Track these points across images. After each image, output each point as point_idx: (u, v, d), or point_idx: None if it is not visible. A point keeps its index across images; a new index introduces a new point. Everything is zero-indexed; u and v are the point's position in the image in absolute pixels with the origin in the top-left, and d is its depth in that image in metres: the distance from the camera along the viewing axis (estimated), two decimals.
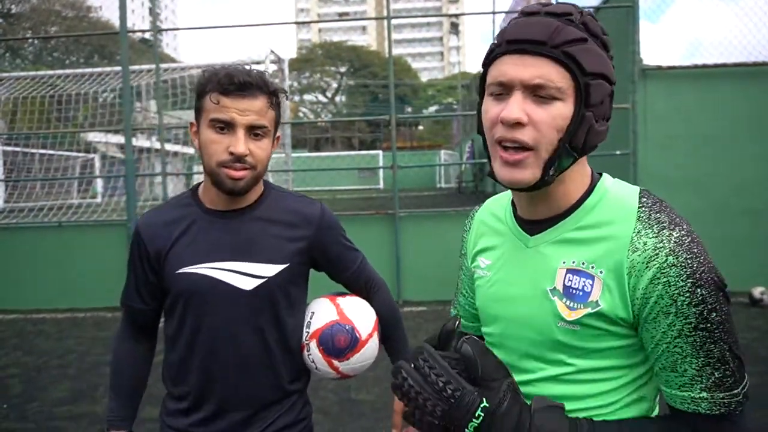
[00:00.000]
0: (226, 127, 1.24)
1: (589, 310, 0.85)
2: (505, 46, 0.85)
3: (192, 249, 1.32)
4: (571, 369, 0.89)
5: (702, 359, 0.80)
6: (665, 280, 0.80)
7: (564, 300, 0.88)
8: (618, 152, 6.03)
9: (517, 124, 0.82)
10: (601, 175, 0.95)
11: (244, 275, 1.32)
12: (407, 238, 6.30)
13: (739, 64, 6.09)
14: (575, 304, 0.87)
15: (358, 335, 1.35)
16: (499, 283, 0.99)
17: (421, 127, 42.34)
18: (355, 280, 1.49)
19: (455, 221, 6.12)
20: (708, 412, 0.80)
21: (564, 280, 0.88)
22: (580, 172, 0.92)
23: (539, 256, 0.92)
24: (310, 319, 1.38)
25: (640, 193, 0.89)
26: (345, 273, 1.48)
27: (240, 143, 1.23)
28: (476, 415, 0.79)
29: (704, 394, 0.80)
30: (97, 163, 14.49)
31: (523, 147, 0.83)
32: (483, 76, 0.91)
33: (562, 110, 0.83)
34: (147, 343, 1.49)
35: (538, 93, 0.82)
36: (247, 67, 1.29)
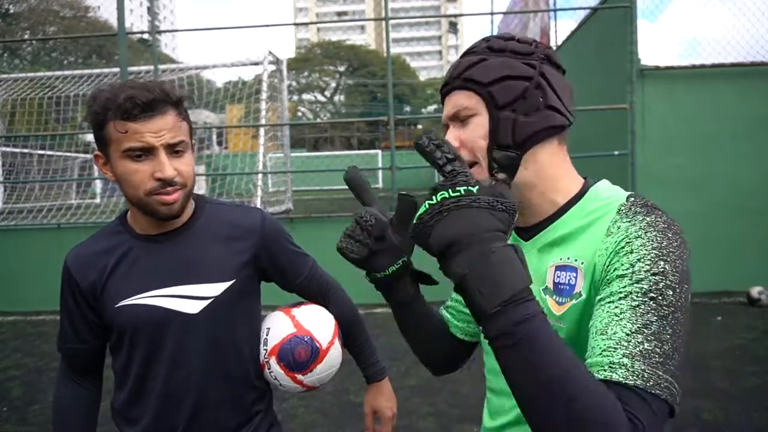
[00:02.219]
0: (143, 153, 1.14)
1: (573, 302, 0.87)
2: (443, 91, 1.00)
3: (129, 279, 1.24)
4: None
5: (637, 326, 0.72)
6: (629, 249, 0.78)
7: (554, 297, 0.89)
8: (616, 152, 6.04)
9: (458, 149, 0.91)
10: (596, 181, 0.96)
11: (189, 298, 1.24)
12: None
13: (737, 64, 6.10)
14: (563, 299, 0.88)
15: (318, 345, 1.30)
16: None
17: (419, 126, 42.31)
18: (308, 287, 1.41)
19: None
20: (621, 380, 0.69)
21: (553, 278, 0.90)
22: (558, 178, 0.94)
23: (532, 259, 0.94)
24: (267, 335, 1.32)
25: (630, 194, 0.90)
26: (296, 280, 1.40)
27: (166, 167, 1.14)
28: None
29: (625, 360, 0.70)
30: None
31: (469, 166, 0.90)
32: None
33: (479, 121, 0.92)
34: (92, 385, 1.37)
35: (459, 119, 0.94)
36: (143, 79, 1.18)
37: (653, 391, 0.68)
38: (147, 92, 1.12)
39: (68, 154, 12.07)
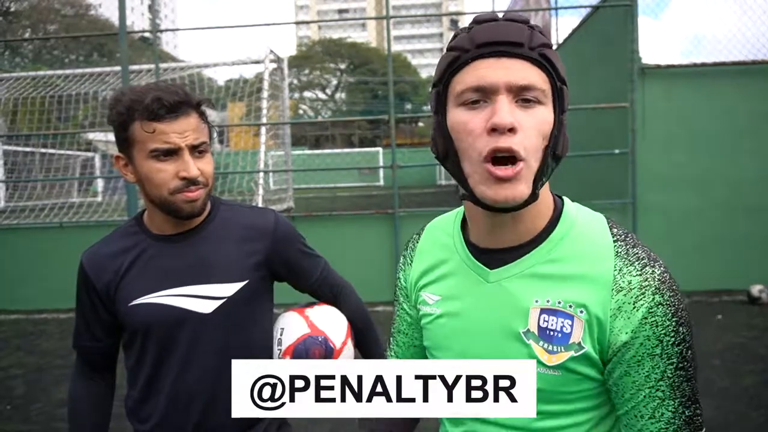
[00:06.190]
0: (169, 153, 1.18)
1: (572, 353, 0.79)
2: (476, 50, 0.76)
3: (143, 278, 1.26)
4: (539, 415, 0.80)
5: (678, 400, 0.77)
6: (653, 320, 0.76)
7: (541, 343, 0.80)
8: (617, 151, 6.04)
9: (510, 131, 0.73)
10: (561, 198, 0.88)
11: (202, 298, 1.26)
12: (407, 238, 6.28)
13: (738, 63, 6.09)
14: (555, 347, 0.79)
15: (332, 345, 1.30)
16: (454, 320, 0.89)
17: (421, 124, 42.29)
18: (320, 288, 1.44)
19: None
20: None
21: (539, 322, 0.80)
22: (545, 195, 0.84)
23: (504, 292, 0.83)
24: (281, 335, 1.32)
25: (608, 224, 0.84)
26: (308, 281, 1.42)
27: (190, 166, 1.18)
28: None
29: None
30: (98, 162, 14.51)
31: (513, 159, 0.74)
32: (443, 90, 0.81)
33: (546, 115, 0.76)
34: (105, 382, 1.40)
35: (523, 96, 0.75)
36: (165, 81, 1.22)
37: None
38: (173, 94, 1.16)
39: (70, 152, 12.10)
